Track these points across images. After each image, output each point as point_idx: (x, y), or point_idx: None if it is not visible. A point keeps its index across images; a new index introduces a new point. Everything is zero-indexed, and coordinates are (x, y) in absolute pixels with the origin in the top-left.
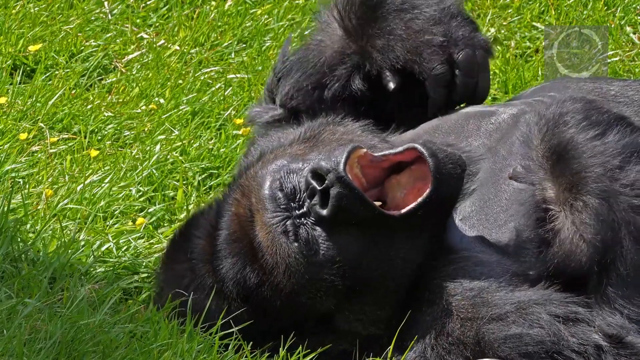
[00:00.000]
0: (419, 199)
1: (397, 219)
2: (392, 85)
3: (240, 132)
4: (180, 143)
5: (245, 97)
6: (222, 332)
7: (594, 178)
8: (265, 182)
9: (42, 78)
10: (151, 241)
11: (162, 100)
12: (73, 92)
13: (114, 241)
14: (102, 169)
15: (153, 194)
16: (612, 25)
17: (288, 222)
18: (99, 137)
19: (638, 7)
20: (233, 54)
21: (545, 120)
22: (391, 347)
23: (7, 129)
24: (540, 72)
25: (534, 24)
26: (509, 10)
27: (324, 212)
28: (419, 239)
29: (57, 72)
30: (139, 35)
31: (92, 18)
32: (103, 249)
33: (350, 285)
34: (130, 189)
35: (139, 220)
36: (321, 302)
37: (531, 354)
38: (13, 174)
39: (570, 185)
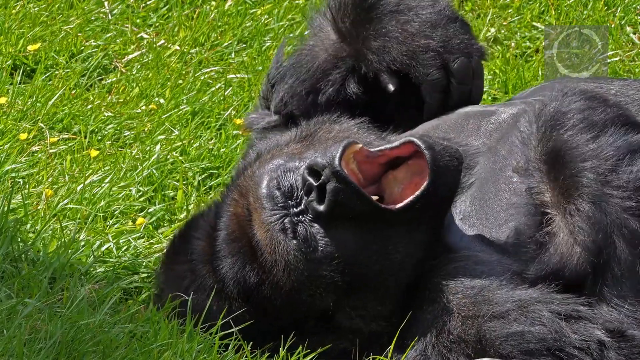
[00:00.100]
0: (417, 192)
1: (395, 213)
2: (391, 87)
3: (240, 132)
4: (180, 143)
5: (245, 97)
6: (223, 332)
7: (585, 182)
8: (262, 181)
9: (42, 78)
10: (151, 241)
11: (162, 100)
12: (73, 92)
13: (114, 241)
14: (102, 169)
15: (153, 194)
16: (612, 25)
17: (286, 220)
18: (99, 137)
19: (638, 7)
20: (233, 54)
21: (543, 121)
22: (392, 345)
23: (7, 129)
24: (540, 72)
25: (534, 24)
26: (509, 10)
27: (321, 207)
28: (418, 233)
29: (57, 72)
30: (139, 35)
31: (92, 18)
32: (103, 249)
33: (350, 281)
34: (130, 189)
35: (139, 220)
36: (321, 298)
37: (533, 351)
38: (13, 174)
39: (565, 189)
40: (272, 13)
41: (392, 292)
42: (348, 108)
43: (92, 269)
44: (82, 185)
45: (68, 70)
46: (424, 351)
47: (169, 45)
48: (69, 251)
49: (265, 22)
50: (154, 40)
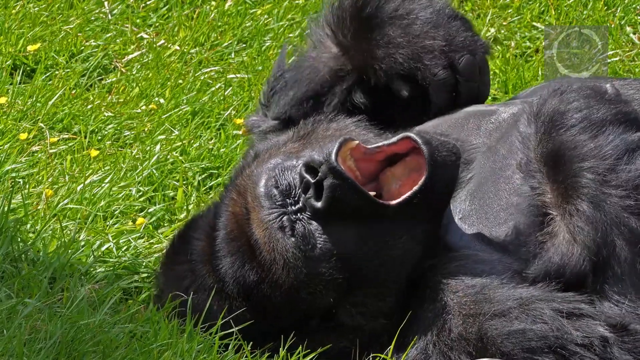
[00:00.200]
0: (414, 188)
1: (392, 209)
2: (405, 93)
3: (240, 132)
4: (180, 143)
5: (245, 97)
6: (223, 332)
7: (584, 183)
8: (260, 180)
9: (42, 78)
10: (151, 241)
11: (162, 100)
12: (73, 92)
13: (114, 241)
14: (102, 169)
15: (153, 194)
16: (612, 25)
17: (284, 218)
18: (99, 137)
19: (638, 7)
20: (233, 54)
21: (542, 121)
22: (393, 344)
23: (7, 129)
24: (540, 72)
25: (534, 24)
26: (509, 10)
27: (319, 204)
28: (417, 228)
29: (57, 72)
30: (139, 35)
31: (92, 18)
32: (103, 249)
33: (350, 278)
34: (130, 189)
35: (139, 220)
36: (321, 296)
37: (534, 349)
38: (13, 174)
39: (564, 190)
40: (272, 13)
41: (392, 288)
42: (348, 113)
43: (92, 269)
44: (82, 185)
45: (68, 70)
46: (425, 349)
47: (169, 45)
48: (69, 251)
49: (265, 22)
50: (154, 40)
